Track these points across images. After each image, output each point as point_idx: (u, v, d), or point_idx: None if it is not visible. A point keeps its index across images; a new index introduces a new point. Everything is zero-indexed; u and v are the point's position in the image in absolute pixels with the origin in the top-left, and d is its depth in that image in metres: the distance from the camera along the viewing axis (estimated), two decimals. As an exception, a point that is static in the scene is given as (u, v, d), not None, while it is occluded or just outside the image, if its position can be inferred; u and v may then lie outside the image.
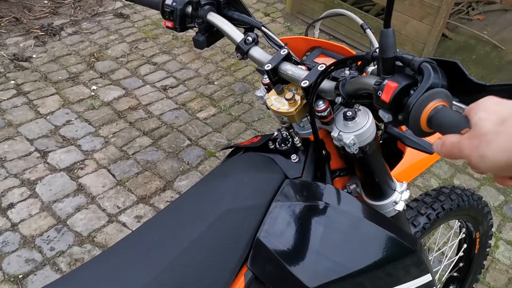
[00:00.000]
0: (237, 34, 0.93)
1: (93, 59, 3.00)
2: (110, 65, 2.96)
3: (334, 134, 0.82)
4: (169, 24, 0.97)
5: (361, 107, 0.82)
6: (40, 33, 3.17)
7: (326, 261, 0.82)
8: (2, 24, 3.20)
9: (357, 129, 0.81)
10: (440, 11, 2.84)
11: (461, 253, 1.62)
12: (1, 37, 3.09)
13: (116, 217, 2.06)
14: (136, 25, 3.39)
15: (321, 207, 0.83)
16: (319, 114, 0.82)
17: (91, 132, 2.46)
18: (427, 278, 0.96)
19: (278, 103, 0.85)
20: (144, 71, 2.95)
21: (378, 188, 0.94)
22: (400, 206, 0.97)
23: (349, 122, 0.81)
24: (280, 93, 0.86)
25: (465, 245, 1.61)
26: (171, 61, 3.08)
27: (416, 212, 1.32)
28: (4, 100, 2.61)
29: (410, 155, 1.09)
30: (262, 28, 0.94)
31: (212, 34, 0.97)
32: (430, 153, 0.87)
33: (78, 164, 2.28)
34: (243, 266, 0.81)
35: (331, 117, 0.82)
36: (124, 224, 2.03)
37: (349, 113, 0.81)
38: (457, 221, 1.50)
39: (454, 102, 0.63)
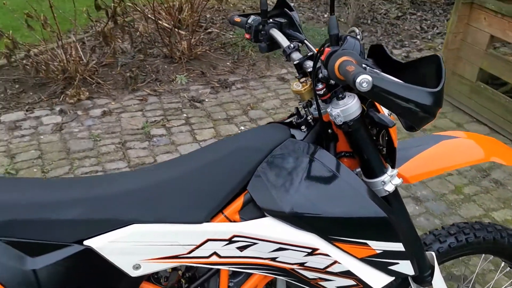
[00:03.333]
0: (285, 43, 1.31)
1: (248, 108, 3.61)
2: (260, 114, 3.53)
3: (328, 109, 1.13)
4: (247, 36, 1.40)
5: (350, 93, 1.11)
6: (216, 85, 3.94)
7: (304, 199, 1.09)
8: (191, 75, 4.08)
9: (343, 106, 1.10)
10: None
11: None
12: (187, 84, 3.94)
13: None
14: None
15: (309, 160, 1.12)
16: (318, 92, 1.13)
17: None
18: (398, 246, 1.14)
19: (296, 85, 1.20)
20: (287, 122, 3.45)
21: (368, 166, 1.18)
22: (389, 187, 1.18)
23: (339, 101, 1.11)
24: (300, 79, 1.21)
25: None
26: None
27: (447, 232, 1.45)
28: (175, 126, 3.34)
29: (424, 159, 1.29)
30: (305, 41, 1.30)
31: (272, 44, 1.36)
32: (389, 126, 1.09)
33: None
34: (244, 190, 1.14)
35: (328, 96, 1.13)
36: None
37: (340, 95, 1.11)
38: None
39: (369, 64, 0.91)
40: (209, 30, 4.87)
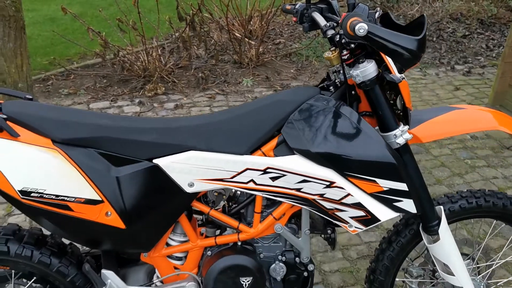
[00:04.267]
0: (323, 23, 1.59)
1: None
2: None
3: (351, 71, 1.39)
4: (294, 19, 1.70)
5: (369, 59, 1.38)
6: (279, 88, 4.27)
7: (326, 141, 1.36)
8: (256, 79, 4.44)
9: (362, 68, 1.36)
10: None
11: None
12: (252, 87, 4.30)
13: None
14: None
15: (333, 111, 1.39)
16: (343, 57, 1.40)
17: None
18: (402, 186, 1.38)
19: (327, 53, 1.48)
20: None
21: (383, 121, 1.42)
22: (400, 141, 1.42)
23: (359, 65, 1.38)
24: (330, 48, 1.49)
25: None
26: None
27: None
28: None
29: (437, 123, 1.52)
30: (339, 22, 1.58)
31: (313, 25, 1.65)
32: (395, 82, 1.33)
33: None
34: (279, 133, 1.42)
35: (351, 61, 1.39)
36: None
37: (360, 60, 1.38)
38: None
39: (374, 24, 1.19)
40: (277, 41, 5.24)
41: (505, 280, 1.97)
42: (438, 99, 4.16)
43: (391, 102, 1.48)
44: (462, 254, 1.75)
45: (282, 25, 5.77)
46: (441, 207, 1.57)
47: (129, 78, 4.29)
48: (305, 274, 1.58)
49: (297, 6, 1.68)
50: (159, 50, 4.48)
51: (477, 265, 1.77)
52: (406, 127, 1.43)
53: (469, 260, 1.75)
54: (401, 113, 1.46)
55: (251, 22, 5.02)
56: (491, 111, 1.59)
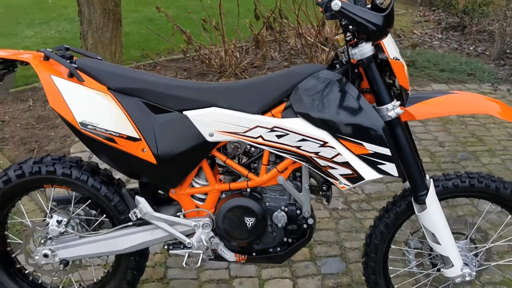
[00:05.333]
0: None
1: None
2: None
3: (351, 51, 1.63)
4: (321, 9, 1.96)
5: (367, 41, 1.61)
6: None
7: (325, 107, 1.61)
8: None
9: (360, 47, 1.60)
10: None
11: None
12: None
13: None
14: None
15: (335, 84, 1.64)
16: (346, 38, 1.65)
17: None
18: (386, 151, 1.59)
19: (337, 36, 1.73)
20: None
21: (377, 95, 1.64)
22: (392, 114, 1.63)
23: (358, 45, 1.62)
24: (339, 32, 1.74)
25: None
26: (419, 126, 3.84)
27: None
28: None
29: (431, 103, 1.70)
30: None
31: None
32: (384, 59, 1.55)
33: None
34: (287, 99, 1.69)
35: (353, 42, 1.64)
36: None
37: (360, 42, 1.62)
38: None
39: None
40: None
41: (500, 262, 2.06)
42: (503, 113, 4.13)
43: (391, 82, 1.70)
44: (459, 233, 1.91)
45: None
46: (431, 180, 1.74)
47: (206, 72, 4.74)
48: (305, 226, 1.83)
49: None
50: (237, 49, 4.89)
51: (475, 245, 1.90)
52: (398, 102, 1.64)
53: (466, 240, 1.89)
54: (398, 92, 1.68)
55: (327, 29, 5.28)
56: (487, 98, 1.75)
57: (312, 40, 5.10)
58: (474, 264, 1.84)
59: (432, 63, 5.03)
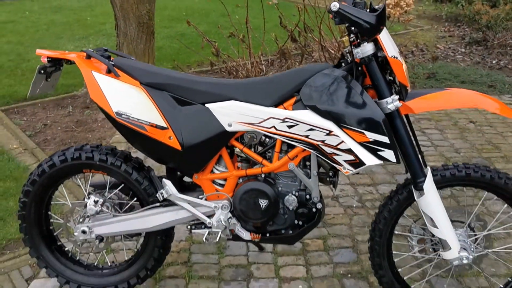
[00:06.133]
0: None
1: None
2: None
3: (354, 50, 1.83)
4: (331, 16, 2.16)
5: (368, 42, 1.80)
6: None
7: (331, 101, 1.81)
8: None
9: (362, 47, 1.80)
10: None
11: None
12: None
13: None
14: (431, 111, 4.43)
15: (340, 80, 1.83)
16: (350, 39, 1.85)
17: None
18: (385, 139, 1.77)
19: (344, 38, 1.94)
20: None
21: (378, 91, 1.83)
22: (391, 107, 1.81)
23: (361, 45, 1.81)
24: (345, 34, 1.95)
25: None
26: (436, 134, 3.97)
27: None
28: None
29: (429, 98, 1.88)
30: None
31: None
32: (384, 56, 1.73)
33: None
34: (298, 93, 1.90)
35: (356, 42, 1.83)
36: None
37: (362, 42, 1.81)
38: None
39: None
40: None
41: (497, 249, 2.18)
42: (518, 121, 4.22)
43: (391, 79, 1.88)
44: (459, 221, 2.05)
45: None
46: (429, 168, 1.91)
47: (233, 83, 4.99)
48: (314, 210, 2.01)
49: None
50: (263, 61, 5.14)
51: (474, 233, 2.03)
52: (397, 96, 1.83)
53: (465, 228, 2.03)
54: (399, 88, 1.87)
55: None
56: (483, 95, 1.91)
57: (335, 53, 5.31)
58: (472, 249, 1.98)
59: (453, 75, 5.15)
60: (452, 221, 1.97)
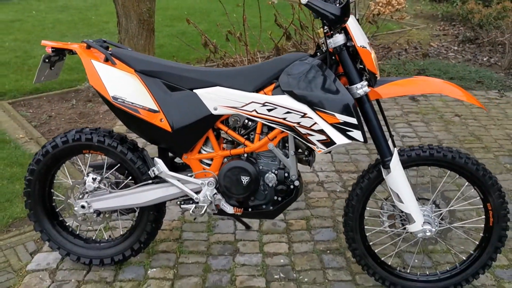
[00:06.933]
0: None
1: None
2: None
3: (328, 40, 2.03)
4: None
5: (340, 33, 1.99)
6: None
7: (306, 86, 2.00)
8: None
9: (334, 38, 2.00)
10: None
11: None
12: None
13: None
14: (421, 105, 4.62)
15: (315, 67, 2.03)
16: (324, 31, 2.04)
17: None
18: (353, 120, 1.96)
19: (318, 30, 2.13)
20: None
21: (348, 77, 2.03)
22: (360, 92, 2.01)
23: (333, 36, 2.01)
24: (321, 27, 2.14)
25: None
26: (422, 126, 4.15)
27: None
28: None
29: (396, 84, 2.07)
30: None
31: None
32: (353, 45, 1.93)
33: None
34: (277, 80, 2.09)
35: (330, 33, 2.02)
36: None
37: (334, 33, 2.01)
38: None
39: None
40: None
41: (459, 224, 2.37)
42: (505, 116, 4.39)
43: (362, 67, 2.08)
44: (425, 198, 2.24)
45: (378, 48, 6.32)
46: (395, 148, 2.10)
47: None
48: (292, 187, 2.21)
49: None
50: (259, 58, 5.34)
51: (439, 209, 2.22)
52: (366, 82, 2.02)
53: (431, 204, 2.22)
54: (368, 76, 2.06)
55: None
56: (450, 84, 2.09)
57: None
58: (436, 223, 2.17)
59: (442, 72, 5.33)
60: (419, 199, 2.17)
